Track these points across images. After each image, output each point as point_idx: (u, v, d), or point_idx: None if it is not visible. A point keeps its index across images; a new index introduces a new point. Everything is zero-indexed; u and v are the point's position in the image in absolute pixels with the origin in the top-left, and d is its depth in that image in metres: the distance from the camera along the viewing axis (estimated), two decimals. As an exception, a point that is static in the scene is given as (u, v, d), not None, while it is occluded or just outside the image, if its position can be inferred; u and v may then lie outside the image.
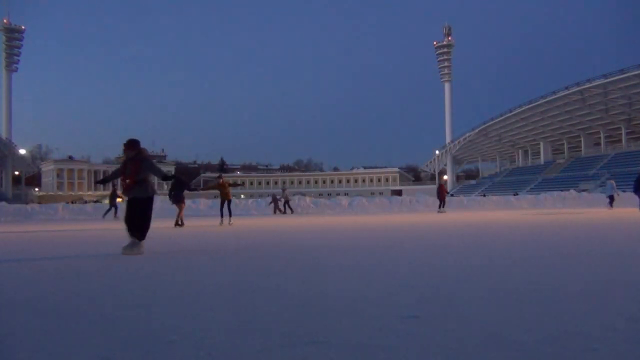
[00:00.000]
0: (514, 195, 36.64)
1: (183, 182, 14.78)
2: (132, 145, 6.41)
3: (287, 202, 23.31)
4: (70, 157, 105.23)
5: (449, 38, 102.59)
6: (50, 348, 2.21)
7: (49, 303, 3.26)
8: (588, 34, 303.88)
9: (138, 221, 6.14)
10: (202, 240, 9.03)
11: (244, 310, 2.93)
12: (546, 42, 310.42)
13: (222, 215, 14.02)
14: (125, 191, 6.33)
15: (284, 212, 22.94)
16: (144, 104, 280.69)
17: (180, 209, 13.54)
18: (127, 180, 6.26)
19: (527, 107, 69.13)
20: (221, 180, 14.50)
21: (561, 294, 3.27)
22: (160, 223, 13.76)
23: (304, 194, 36.21)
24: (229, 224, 13.63)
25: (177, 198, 13.51)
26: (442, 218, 16.36)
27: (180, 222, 13.40)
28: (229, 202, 14.17)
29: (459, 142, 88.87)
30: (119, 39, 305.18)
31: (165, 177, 6.83)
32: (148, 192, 6.33)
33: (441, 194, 22.81)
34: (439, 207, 22.75)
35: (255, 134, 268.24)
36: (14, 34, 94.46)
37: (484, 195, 40.08)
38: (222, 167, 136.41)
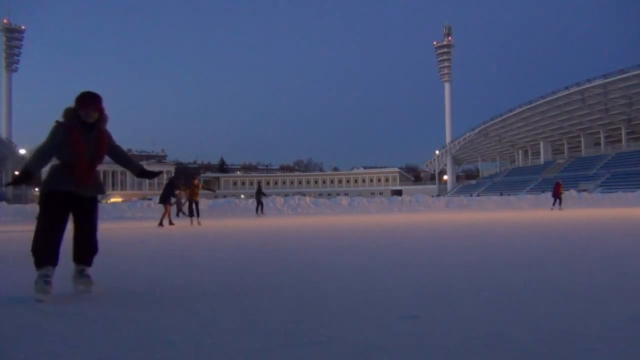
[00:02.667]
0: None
1: (174, 183, 14.89)
2: (98, 101, 3.55)
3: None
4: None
5: (449, 38, 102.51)
6: (50, 348, 2.21)
7: (49, 303, 3.25)
8: (588, 34, 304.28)
9: (90, 235, 3.61)
10: (196, 240, 9.02)
11: (244, 310, 2.93)
12: (546, 42, 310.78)
13: (191, 216, 14.35)
14: (81, 184, 3.48)
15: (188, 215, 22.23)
16: (144, 104, 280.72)
17: (167, 210, 13.81)
18: (86, 165, 3.49)
19: (527, 107, 69.09)
20: (195, 181, 15.04)
21: (561, 293, 3.27)
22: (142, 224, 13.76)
23: (304, 194, 36.16)
24: (195, 224, 13.73)
25: (166, 198, 13.83)
26: (443, 218, 16.36)
27: (162, 223, 13.50)
28: (197, 203, 14.50)
29: (459, 142, 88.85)
30: (119, 39, 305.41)
31: (143, 172, 4.02)
32: (103, 187, 3.84)
33: (558, 192, 22.77)
34: (559, 205, 22.63)
35: (255, 134, 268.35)
36: (14, 34, 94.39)
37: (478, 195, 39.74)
38: (223, 167, 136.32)
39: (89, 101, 3.48)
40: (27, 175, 3.39)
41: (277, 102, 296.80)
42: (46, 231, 3.41)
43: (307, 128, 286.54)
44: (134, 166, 3.95)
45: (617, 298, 3.10)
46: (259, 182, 26.98)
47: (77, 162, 3.43)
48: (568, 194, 31.75)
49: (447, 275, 4.12)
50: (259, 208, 21.99)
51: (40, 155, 3.39)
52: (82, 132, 3.45)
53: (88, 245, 3.60)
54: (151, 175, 4.10)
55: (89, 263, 3.62)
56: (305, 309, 2.94)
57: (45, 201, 3.45)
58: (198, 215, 14.23)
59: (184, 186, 19.62)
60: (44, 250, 3.38)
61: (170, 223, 13.58)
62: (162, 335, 2.36)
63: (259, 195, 22.20)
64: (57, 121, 3.47)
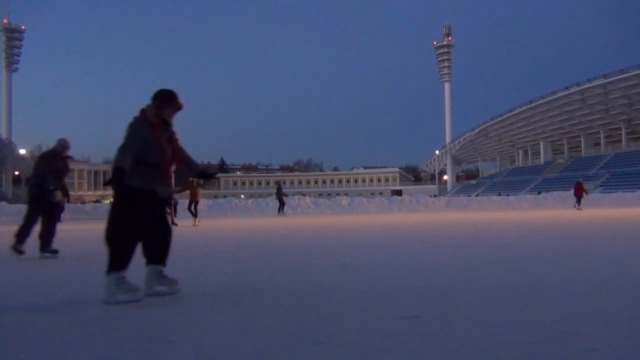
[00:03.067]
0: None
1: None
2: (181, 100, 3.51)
3: None
4: (71, 157, 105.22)
5: (449, 38, 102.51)
6: (50, 348, 2.21)
7: (49, 303, 3.26)
8: (588, 34, 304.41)
9: (169, 235, 3.59)
10: (196, 240, 9.02)
11: (244, 310, 2.93)
12: (546, 42, 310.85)
13: (193, 216, 14.22)
14: (164, 182, 3.45)
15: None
16: (143, 104, 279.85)
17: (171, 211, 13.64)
18: (169, 163, 3.45)
19: (527, 107, 69.09)
20: (191, 180, 14.49)
21: (561, 293, 3.27)
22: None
23: (304, 194, 36.15)
24: (195, 224, 13.62)
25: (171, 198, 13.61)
26: (443, 218, 16.35)
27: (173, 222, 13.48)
28: (196, 203, 14.31)
29: (459, 142, 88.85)
30: (119, 38, 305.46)
31: (202, 173, 3.92)
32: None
33: (579, 191, 22.80)
34: (577, 204, 22.56)
35: (255, 134, 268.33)
36: (14, 34, 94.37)
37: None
38: (223, 167, 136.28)
39: (177, 99, 3.44)
40: (121, 173, 3.18)
41: (277, 102, 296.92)
42: (130, 233, 3.27)
43: (307, 128, 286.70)
44: (194, 166, 3.81)
45: (617, 298, 3.10)
46: (278, 182, 26.52)
47: (161, 160, 3.34)
48: (568, 195, 31.55)
49: (447, 275, 4.12)
50: (281, 208, 22.08)
51: (127, 150, 3.22)
52: (164, 129, 3.37)
53: (168, 245, 3.51)
54: (209, 176, 3.93)
55: (165, 263, 3.49)
56: (305, 309, 2.94)
57: (129, 200, 3.27)
58: (196, 216, 14.14)
59: (182, 187, 19.35)
60: (128, 254, 3.25)
61: (173, 223, 13.48)
62: (162, 335, 2.36)
63: (280, 194, 22.15)
64: (136, 117, 3.36)
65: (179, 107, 3.46)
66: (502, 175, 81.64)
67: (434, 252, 6.12)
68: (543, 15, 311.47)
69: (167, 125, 3.43)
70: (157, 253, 3.43)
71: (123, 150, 3.22)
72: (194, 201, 14.34)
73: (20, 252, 5.86)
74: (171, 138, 3.47)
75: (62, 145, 6.30)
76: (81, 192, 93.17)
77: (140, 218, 3.31)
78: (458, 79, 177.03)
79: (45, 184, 5.99)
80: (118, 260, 3.20)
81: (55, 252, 5.98)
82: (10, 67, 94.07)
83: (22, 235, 5.93)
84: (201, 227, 12.81)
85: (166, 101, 3.40)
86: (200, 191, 14.82)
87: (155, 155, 3.30)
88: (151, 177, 3.31)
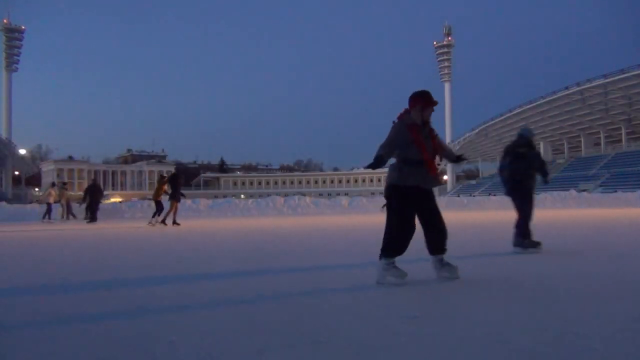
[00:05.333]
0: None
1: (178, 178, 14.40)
2: None
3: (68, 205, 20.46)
4: (70, 157, 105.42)
5: (449, 38, 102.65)
6: (51, 348, 2.21)
7: (49, 303, 3.26)
8: (588, 34, 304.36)
9: (442, 225, 3.86)
10: (195, 240, 9.02)
11: (244, 310, 2.93)
12: (546, 42, 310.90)
13: (153, 215, 13.91)
14: (432, 177, 3.82)
15: (68, 218, 19.76)
16: (144, 104, 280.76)
17: (176, 207, 13.59)
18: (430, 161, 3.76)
19: (527, 107, 69.12)
20: (164, 179, 14.35)
21: (562, 293, 3.27)
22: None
23: (304, 194, 36.16)
24: (151, 223, 13.45)
25: (175, 194, 13.53)
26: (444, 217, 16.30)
27: (175, 221, 13.44)
28: (158, 202, 13.87)
29: (459, 142, 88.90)
30: (119, 39, 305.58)
31: (458, 157, 4.25)
32: None
33: None
34: None
35: (255, 134, 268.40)
36: (14, 34, 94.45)
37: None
38: (223, 167, 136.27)
39: (433, 99, 3.79)
40: (380, 160, 3.67)
41: (277, 102, 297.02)
42: (401, 226, 3.74)
43: (307, 128, 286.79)
44: (452, 154, 4.19)
45: (617, 298, 3.10)
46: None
47: (422, 157, 3.75)
48: (568, 194, 31.48)
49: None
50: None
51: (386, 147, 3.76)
52: (420, 129, 3.77)
53: (443, 235, 3.87)
54: (463, 159, 4.32)
55: (444, 251, 3.88)
56: (305, 309, 2.94)
57: (399, 197, 3.79)
58: (154, 216, 13.74)
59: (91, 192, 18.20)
60: (399, 245, 3.74)
61: (174, 222, 13.40)
62: (162, 335, 2.36)
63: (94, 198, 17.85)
64: (394, 121, 3.83)
65: (435, 104, 3.77)
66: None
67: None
68: (543, 15, 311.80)
69: (425, 124, 3.77)
70: (435, 244, 3.83)
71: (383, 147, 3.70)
72: (155, 201, 13.83)
73: (538, 244, 5.75)
74: (430, 135, 3.80)
75: (532, 132, 6.11)
76: (81, 192, 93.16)
77: (410, 212, 3.73)
78: (458, 79, 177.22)
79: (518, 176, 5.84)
80: (389, 249, 3.71)
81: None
82: (10, 67, 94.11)
83: (528, 231, 5.83)
84: (203, 228, 12.79)
85: (429, 102, 3.73)
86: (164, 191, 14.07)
87: (416, 154, 3.69)
88: (415, 174, 3.71)
